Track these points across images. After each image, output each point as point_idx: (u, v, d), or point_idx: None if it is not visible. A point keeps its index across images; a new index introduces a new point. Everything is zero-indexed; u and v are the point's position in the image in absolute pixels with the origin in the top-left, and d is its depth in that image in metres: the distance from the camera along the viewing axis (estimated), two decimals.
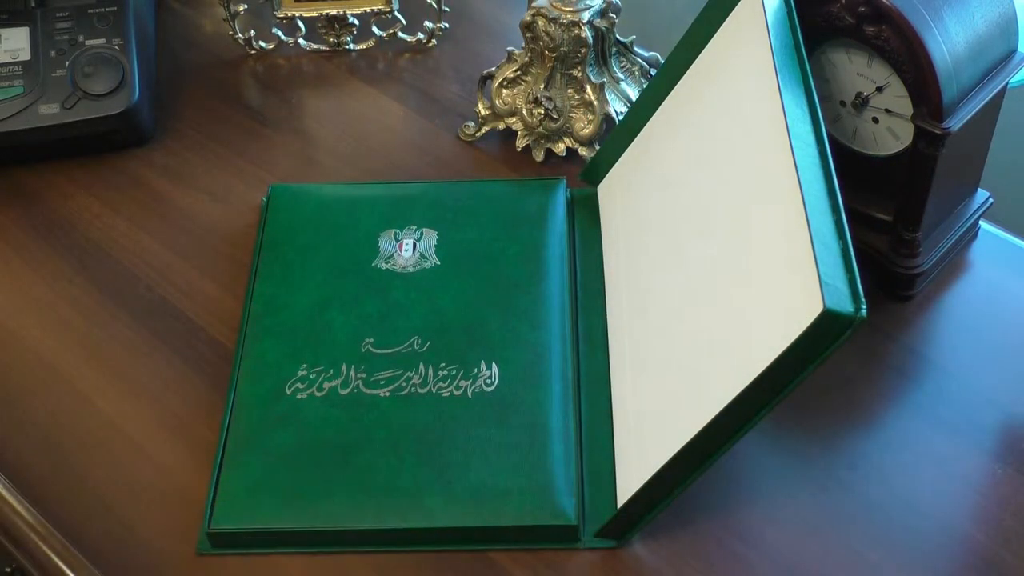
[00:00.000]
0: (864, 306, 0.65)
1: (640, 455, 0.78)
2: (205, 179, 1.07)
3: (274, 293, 0.92)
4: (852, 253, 0.68)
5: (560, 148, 1.06)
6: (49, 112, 1.04)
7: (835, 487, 0.82)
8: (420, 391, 0.85)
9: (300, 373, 0.86)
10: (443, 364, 0.86)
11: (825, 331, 0.65)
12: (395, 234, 0.96)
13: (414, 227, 0.96)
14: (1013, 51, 0.88)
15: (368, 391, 0.85)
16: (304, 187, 1.01)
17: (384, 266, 0.93)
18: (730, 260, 0.77)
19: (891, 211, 0.92)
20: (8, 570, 0.85)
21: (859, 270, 0.67)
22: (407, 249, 0.94)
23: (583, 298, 0.92)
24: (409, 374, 0.86)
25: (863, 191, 0.91)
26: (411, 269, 0.93)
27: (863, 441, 0.85)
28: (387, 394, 0.85)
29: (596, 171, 1.01)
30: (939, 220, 0.93)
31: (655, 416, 0.79)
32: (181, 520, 0.81)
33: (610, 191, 0.99)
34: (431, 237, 0.95)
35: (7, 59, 1.05)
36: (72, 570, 0.79)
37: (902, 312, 0.93)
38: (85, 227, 1.03)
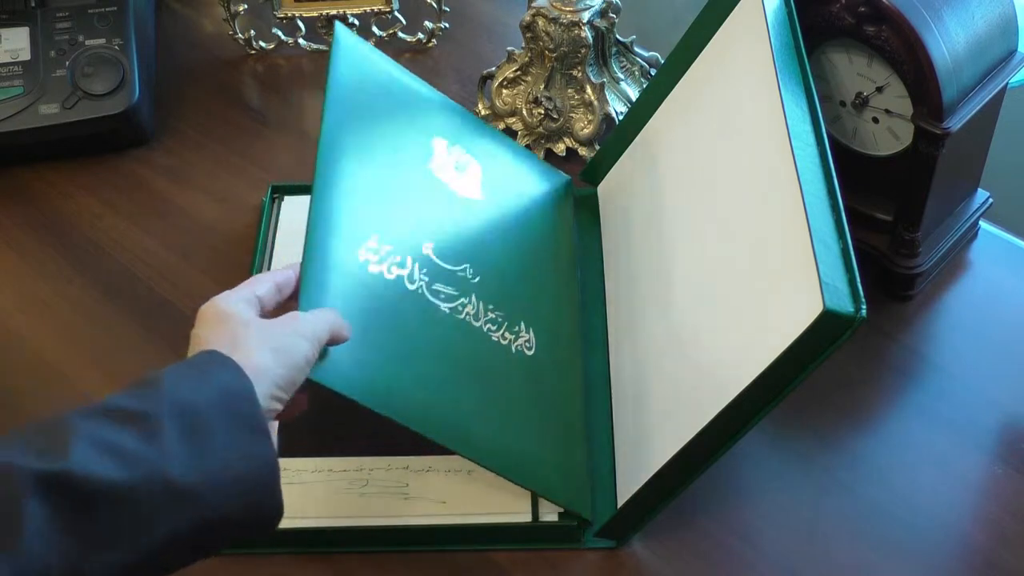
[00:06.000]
0: (864, 306, 0.65)
1: (640, 455, 0.78)
2: (205, 179, 1.07)
3: (345, 141, 0.81)
4: (852, 253, 0.68)
5: (560, 148, 1.06)
6: (49, 112, 1.04)
7: (835, 487, 0.82)
8: (474, 324, 0.80)
9: (370, 243, 0.77)
10: (491, 306, 0.82)
11: (825, 331, 0.65)
12: (447, 145, 0.88)
13: (462, 149, 0.89)
14: (1013, 51, 0.88)
15: (431, 299, 0.79)
16: (370, 49, 0.90)
17: (436, 174, 0.86)
18: (730, 260, 0.77)
19: (891, 211, 0.92)
20: None
21: (859, 270, 0.67)
22: (458, 168, 0.87)
23: (583, 298, 0.92)
24: (464, 300, 0.80)
25: (863, 191, 0.91)
26: (460, 192, 0.86)
27: (863, 441, 0.85)
28: (447, 310, 0.79)
29: (596, 171, 1.01)
30: (939, 220, 0.93)
31: (655, 416, 0.79)
32: None
33: (610, 191, 0.99)
34: (477, 169, 0.89)
35: (7, 59, 1.05)
36: None
37: (902, 312, 0.93)
38: (85, 227, 1.03)
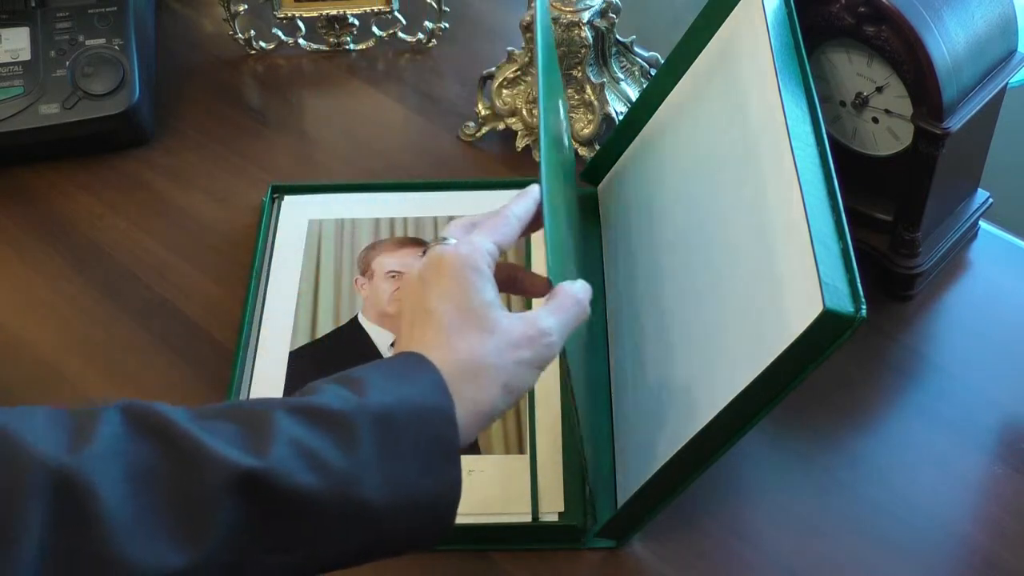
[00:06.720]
0: (864, 306, 0.65)
1: (640, 455, 0.78)
2: (205, 179, 1.07)
3: (545, 72, 0.77)
4: (852, 253, 0.68)
5: None
6: (49, 112, 1.04)
7: (835, 487, 0.82)
8: None
9: None
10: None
11: (825, 331, 0.65)
12: (561, 104, 0.86)
13: (564, 116, 0.87)
14: (1013, 51, 0.88)
15: None
16: None
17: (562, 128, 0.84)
18: (730, 260, 0.77)
19: (891, 211, 0.92)
20: None
21: (859, 270, 0.67)
22: (564, 131, 0.85)
23: None
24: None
25: (863, 191, 0.91)
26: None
27: (863, 441, 0.85)
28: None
29: (596, 171, 1.01)
30: (939, 220, 0.93)
31: (655, 416, 0.79)
32: None
33: (610, 191, 0.99)
34: (566, 138, 0.87)
35: (7, 59, 1.05)
36: None
37: (902, 312, 0.93)
38: (85, 227, 1.03)
